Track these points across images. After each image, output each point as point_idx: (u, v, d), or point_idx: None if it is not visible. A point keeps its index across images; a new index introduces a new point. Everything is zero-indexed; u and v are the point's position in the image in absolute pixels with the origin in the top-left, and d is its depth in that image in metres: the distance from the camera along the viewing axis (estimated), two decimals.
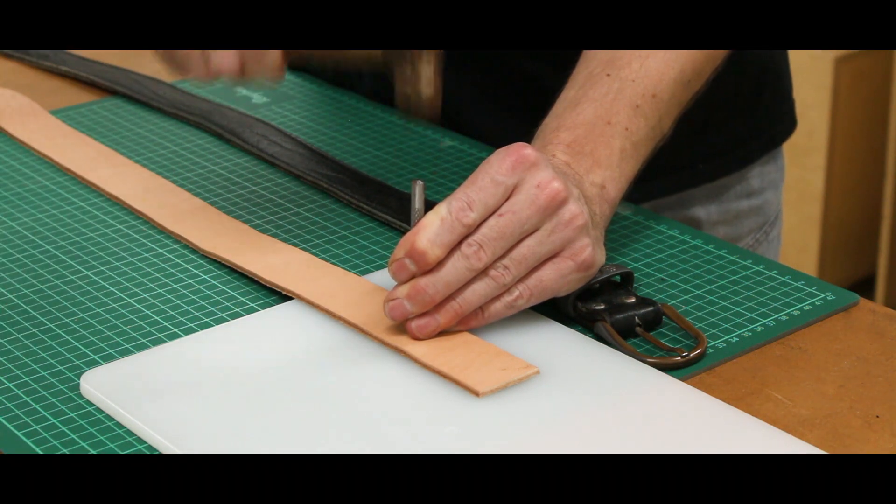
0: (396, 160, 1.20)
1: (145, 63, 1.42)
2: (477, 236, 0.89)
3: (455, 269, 0.89)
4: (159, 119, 1.30)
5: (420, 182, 0.91)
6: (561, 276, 0.91)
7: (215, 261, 1.04)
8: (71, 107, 1.33)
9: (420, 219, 0.90)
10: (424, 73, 0.89)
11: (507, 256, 0.90)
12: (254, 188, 1.16)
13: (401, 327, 0.91)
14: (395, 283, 0.90)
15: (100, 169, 1.19)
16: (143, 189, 1.15)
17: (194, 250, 1.05)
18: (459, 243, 0.89)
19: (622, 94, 1.00)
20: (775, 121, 1.30)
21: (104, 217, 1.11)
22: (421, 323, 0.90)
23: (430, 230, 0.88)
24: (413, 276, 0.89)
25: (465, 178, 1.17)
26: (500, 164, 0.90)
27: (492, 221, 0.89)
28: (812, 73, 2.61)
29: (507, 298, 0.91)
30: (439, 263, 0.89)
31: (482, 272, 0.89)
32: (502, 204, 0.89)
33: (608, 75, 1.01)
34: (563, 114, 1.01)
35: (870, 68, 2.67)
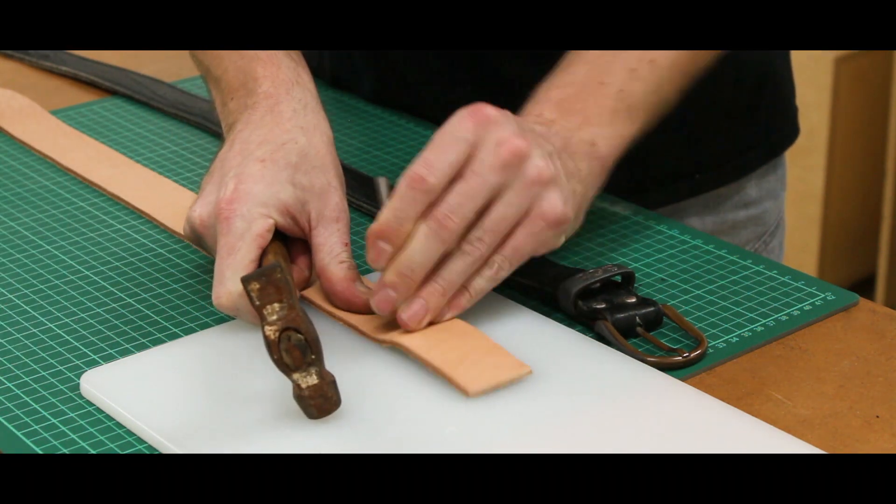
0: (396, 160, 1.20)
1: (145, 63, 1.42)
2: (442, 206, 0.87)
3: (426, 241, 0.87)
4: (159, 119, 1.30)
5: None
6: (534, 237, 0.89)
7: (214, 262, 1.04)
8: (71, 107, 1.33)
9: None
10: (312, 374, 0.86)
11: (479, 227, 0.88)
12: None
13: (395, 325, 0.91)
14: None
15: (101, 169, 1.19)
16: (145, 188, 1.15)
17: (195, 250, 1.05)
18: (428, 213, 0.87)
19: (618, 57, 0.98)
20: (775, 130, 1.28)
21: (104, 217, 1.11)
22: (411, 312, 0.89)
23: (393, 203, 0.87)
24: (392, 257, 0.88)
25: None
26: (461, 123, 0.88)
27: (456, 187, 0.87)
28: (812, 73, 2.61)
29: (488, 272, 0.90)
30: (411, 242, 0.87)
31: (458, 248, 0.88)
32: (463, 162, 0.87)
33: None
34: (555, 74, 0.99)
35: (870, 68, 2.67)
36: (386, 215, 0.87)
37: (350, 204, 1.12)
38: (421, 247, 0.87)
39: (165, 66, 1.41)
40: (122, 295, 1.00)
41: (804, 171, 2.66)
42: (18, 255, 1.06)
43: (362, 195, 1.12)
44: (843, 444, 0.83)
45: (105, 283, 1.01)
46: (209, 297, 0.99)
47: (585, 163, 0.94)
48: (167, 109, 1.31)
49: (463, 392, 0.85)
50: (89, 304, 0.99)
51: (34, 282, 1.02)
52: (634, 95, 0.98)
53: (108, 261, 1.05)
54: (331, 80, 1.35)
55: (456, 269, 0.89)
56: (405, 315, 0.89)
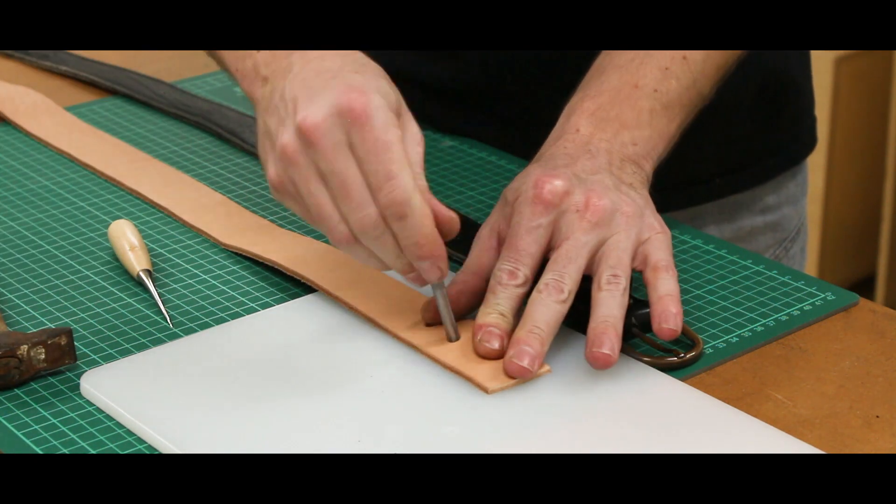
0: None
1: (145, 63, 1.42)
2: (548, 276, 0.88)
3: (545, 308, 0.87)
4: (159, 119, 1.30)
5: (441, 290, 0.89)
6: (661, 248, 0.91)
7: (214, 262, 1.04)
8: (71, 107, 1.33)
9: (449, 323, 0.89)
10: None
11: (608, 266, 0.89)
12: (254, 188, 1.16)
13: (411, 320, 0.91)
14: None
15: (119, 164, 1.19)
16: (163, 184, 1.15)
17: (195, 250, 1.05)
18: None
19: (650, 58, 0.99)
20: (794, 139, 1.27)
21: (104, 217, 1.11)
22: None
23: (492, 300, 0.88)
24: (503, 340, 0.87)
25: (465, 177, 1.17)
26: (532, 211, 0.89)
27: (554, 256, 0.88)
28: (812, 73, 2.61)
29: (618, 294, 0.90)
30: (529, 311, 0.87)
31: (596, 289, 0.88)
32: (547, 242, 0.89)
33: None
34: (588, 83, 0.99)
35: (870, 68, 2.67)
36: (488, 315, 0.87)
37: None
38: (539, 315, 0.87)
39: (165, 66, 1.41)
40: (122, 295, 1.00)
41: None
42: (18, 255, 1.06)
43: None
44: (843, 444, 0.83)
45: (105, 283, 1.01)
46: (209, 296, 0.99)
47: (630, 166, 0.95)
48: (167, 109, 1.31)
49: (482, 390, 0.86)
50: (89, 304, 0.99)
51: (34, 282, 1.02)
52: (670, 93, 0.98)
53: (108, 260, 1.05)
54: None
55: (610, 305, 0.88)
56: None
